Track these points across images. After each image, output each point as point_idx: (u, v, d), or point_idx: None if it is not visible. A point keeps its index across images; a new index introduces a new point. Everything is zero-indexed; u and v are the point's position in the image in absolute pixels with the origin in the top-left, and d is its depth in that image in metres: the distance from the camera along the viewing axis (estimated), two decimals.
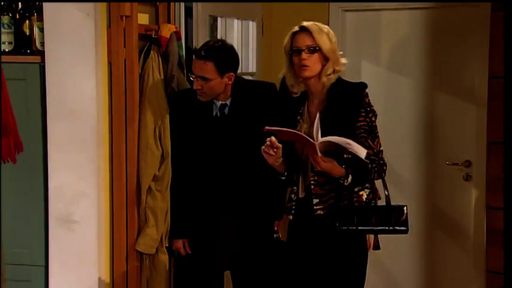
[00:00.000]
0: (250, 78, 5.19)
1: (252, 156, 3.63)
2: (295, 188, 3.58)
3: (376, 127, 3.49)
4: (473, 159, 5.10)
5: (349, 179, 3.38)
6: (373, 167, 3.42)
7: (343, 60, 3.54)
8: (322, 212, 3.49)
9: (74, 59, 3.74)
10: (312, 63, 3.48)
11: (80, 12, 3.70)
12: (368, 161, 3.40)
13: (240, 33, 5.37)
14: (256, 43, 5.45)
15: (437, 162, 5.24)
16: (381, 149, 3.49)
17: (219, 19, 5.19)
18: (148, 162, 3.88)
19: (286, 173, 3.55)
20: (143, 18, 4.04)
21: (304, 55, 3.47)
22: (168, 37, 3.97)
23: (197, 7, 4.61)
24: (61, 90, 3.76)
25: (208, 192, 3.93)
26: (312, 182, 3.50)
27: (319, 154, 3.30)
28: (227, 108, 3.90)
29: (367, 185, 3.49)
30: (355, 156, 3.32)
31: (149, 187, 3.90)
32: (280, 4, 5.44)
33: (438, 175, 5.25)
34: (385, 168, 3.49)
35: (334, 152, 3.36)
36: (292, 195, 3.60)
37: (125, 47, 3.82)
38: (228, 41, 5.05)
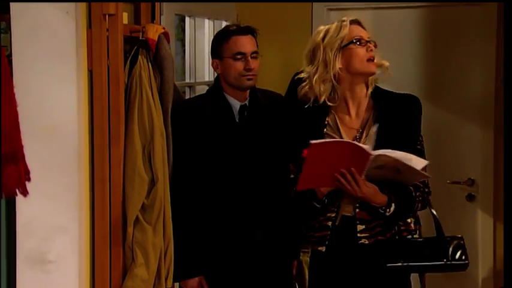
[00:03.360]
0: None
1: (276, 170, 3.55)
2: (334, 213, 3.20)
3: (424, 150, 3.21)
4: (478, 177, 4.85)
5: (392, 208, 3.03)
6: (418, 196, 3.11)
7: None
8: (367, 242, 3.12)
9: (48, 66, 3.27)
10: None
11: (57, 10, 3.24)
12: (412, 188, 3.06)
13: (212, 35, 4.97)
14: None
15: (437, 181, 4.95)
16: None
17: (187, 19, 4.81)
18: (136, 188, 3.45)
19: (325, 199, 3.17)
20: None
21: (371, 46, 3.12)
22: (156, 39, 3.55)
23: (161, 5, 4.18)
24: (32, 103, 3.28)
25: (230, 217, 3.66)
26: (357, 205, 3.12)
27: (363, 176, 2.95)
28: (246, 111, 3.67)
29: None
30: (399, 185, 2.99)
31: (137, 218, 3.46)
32: (258, 2, 5.09)
33: (438, 195, 4.96)
34: (430, 198, 3.23)
35: (377, 176, 3.02)
36: (328, 223, 3.21)
37: (108, 51, 3.39)
38: (198, 43, 4.75)
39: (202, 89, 4.88)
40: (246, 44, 3.65)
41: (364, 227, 3.18)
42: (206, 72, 4.93)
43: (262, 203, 3.68)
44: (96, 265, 3.42)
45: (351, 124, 3.27)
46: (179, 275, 3.65)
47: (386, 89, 3.68)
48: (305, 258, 3.75)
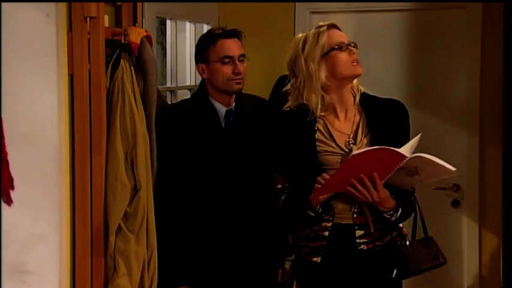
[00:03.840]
0: None
1: (261, 177, 3.53)
2: (330, 223, 3.15)
3: None
4: (463, 183, 4.80)
5: (399, 213, 3.04)
6: (414, 200, 3.22)
7: None
8: (366, 247, 3.12)
9: (27, 71, 3.17)
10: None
11: (36, 12, 3.15)
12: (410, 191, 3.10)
13: (194, 38, 4.91)
14: None
15: (421, 187, 4.89)
16: None
17: (168, 21, 4.73)
18: (118, 196, 3.36)
19: (319, 207, 3.12)
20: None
21: (353, 49, 3.08)
22: (139, 43, 3.47)
23: (143, 8, 4.10)
24: (11, 109, 3.17)
25: (215, 224, 3.60)
26: (355, 211, 3.09)
27: (383, 181, 2.95)
28: (232, 116, 3.60)
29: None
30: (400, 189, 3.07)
31: (119, 227, 3.38)
32: (240, 5, 5.04)
33: (423, 201, 4.91)
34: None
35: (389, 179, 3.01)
36: (325, 233, 3.16)
37: (89, 55, 3.30)
38: (179, 46, 4.67)
39: (183, 94, 4.80)
40: (233, 47, 3.59)
41: (363, 232, 3.15)
42: (188, 77, 4.85)
43: (248, 210, 3.62)
44: (77, 275, 3.34)
45: (341, 128, 3.23)
46: (165, 284, 3.56)
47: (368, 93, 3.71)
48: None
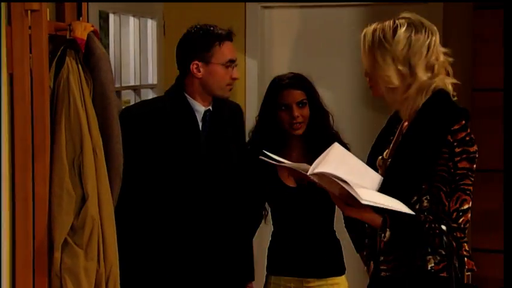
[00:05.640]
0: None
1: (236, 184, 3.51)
2: None
3: (466, 176, 2.74)
4: None
5: (387, 234, 2.72)
6: (433, 228, 2.70)
7: None
8: (385, 274, 2.87)
9: None
10: None
11: None
12: (413, 213, 2.70)
13: (138, 34, 4.69)
14: (156, 46, 4.77)
15: None
16: (462, 208, 2.74)
17: (111, 16, 4.51)
18: (64, 207, 3.13)
19: None
20: None
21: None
22: (85, 38, 3.24)
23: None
24: None
25: (185, 235, 3.49)
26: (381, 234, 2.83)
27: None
28: (208, 116, 3.48)
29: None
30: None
31: (65, 241, 3.15)
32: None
33: None
34: (458, 235, 2.73)
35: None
36: None
37: (31, 52, 3.07)
38: (123, 43, 4.47)
39: (127, 94, 4.57)
40: (234, 51, 3.50)
41: (383, 258, 2.87)
42: (132, 76, 4.62)
43: (219, 220, 3.52)
44: None
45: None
46: None
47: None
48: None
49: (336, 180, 2.64)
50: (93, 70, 3.24)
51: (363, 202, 2.60)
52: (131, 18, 4.65)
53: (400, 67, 2.80)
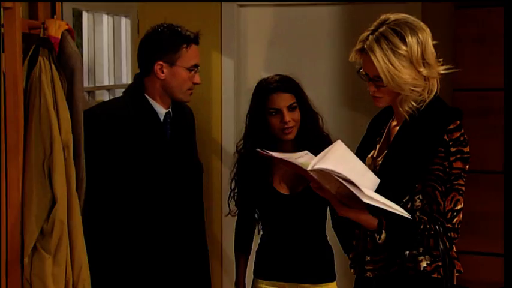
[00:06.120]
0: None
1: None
2: None
3: (460, 176, 2.75)
4: None
5: (383, 235, 2.69)
6: (428, 229, 2.69)
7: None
8: (370, 275, 2.83)
9: None
10: None
11: None
12: (410, 216, 2.67)
13: (112, 32, 4.59)
14: (131, 45, 4.68)
15: None
16: (456, 208, 2.73)
17: (84, 14, 4.41)
18: (33, 211, 3.05)
19: None
20: None
21: None
22: (59, 37, 3.16)
23: None
24: None
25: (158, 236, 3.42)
26: (369, 234, 2.82)
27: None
28: (169, 118, 3.42)
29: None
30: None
31: (35, 246, 3.07)
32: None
33: None
34: (452, 235, 2.72)
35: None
36: None
37: (3, 51, 2.98)
38: (97, 41, 4.40)
39: (101, 94, 4.48)
40: (199, 55, 3.43)
41: (369, 258, 2.85)
42: (106, 76, 4.52)
43: (186, 223, 3.49)
44: None
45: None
46: None
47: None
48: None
49: (337, 177, 2.59)
50: (64, 68, 3.16)
51: (365, 201, 2.56)
52: (105, 17, 4.54)
53: (420, 69, 2.76)
